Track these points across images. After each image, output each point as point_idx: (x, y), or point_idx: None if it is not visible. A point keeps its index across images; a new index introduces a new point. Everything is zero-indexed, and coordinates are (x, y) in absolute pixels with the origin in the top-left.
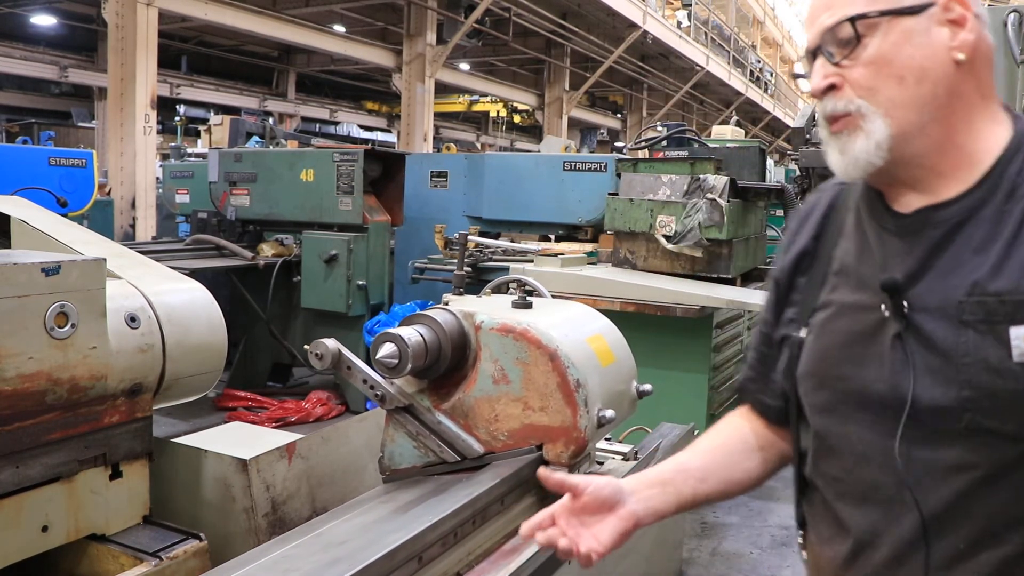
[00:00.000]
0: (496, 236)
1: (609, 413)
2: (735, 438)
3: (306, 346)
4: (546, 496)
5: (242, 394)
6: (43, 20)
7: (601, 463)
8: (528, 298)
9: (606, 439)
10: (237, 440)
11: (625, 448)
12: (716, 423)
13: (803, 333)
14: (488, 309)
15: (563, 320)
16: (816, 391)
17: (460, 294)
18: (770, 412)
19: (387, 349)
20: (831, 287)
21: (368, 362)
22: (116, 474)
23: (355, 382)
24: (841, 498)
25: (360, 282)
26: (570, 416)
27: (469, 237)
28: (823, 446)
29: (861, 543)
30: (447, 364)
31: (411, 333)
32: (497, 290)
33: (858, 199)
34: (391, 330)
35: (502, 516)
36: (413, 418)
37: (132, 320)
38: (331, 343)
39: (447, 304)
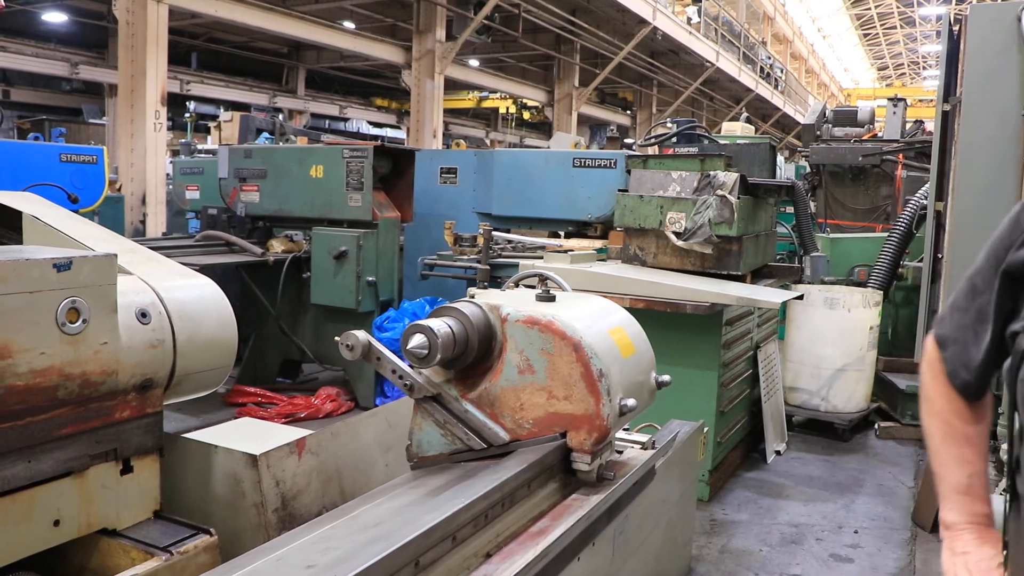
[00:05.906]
0: (506, 232)
1: (631, 402)
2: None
3: (336, 337)
4: (569, 483)
5: (252, 390)
6: (54, 17)
7: (620, 452)
8: (551, 292)
9: (624, 429)
10: (247, 436)
11: (643, 438)
12: (933, 407)
13: None
14: (513, 302)
15: (586, 313)
16: None
17: (485, 288)
18: (970, 390)
19: (417, 340)
20: None
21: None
22: (127, 469)
23: (384, 372)
24: None
25: (370, 278)
26: (593, 405)
27: (493, 233)
28: None
29: None
30: (474, 355)
31: (440, 324)
32: (517, 284)
33: None
34: (421, 321)
35: (528, 500)
36: (441, 407)
37: (143, 316)
38: (361, 335)
39: (473, 297)
